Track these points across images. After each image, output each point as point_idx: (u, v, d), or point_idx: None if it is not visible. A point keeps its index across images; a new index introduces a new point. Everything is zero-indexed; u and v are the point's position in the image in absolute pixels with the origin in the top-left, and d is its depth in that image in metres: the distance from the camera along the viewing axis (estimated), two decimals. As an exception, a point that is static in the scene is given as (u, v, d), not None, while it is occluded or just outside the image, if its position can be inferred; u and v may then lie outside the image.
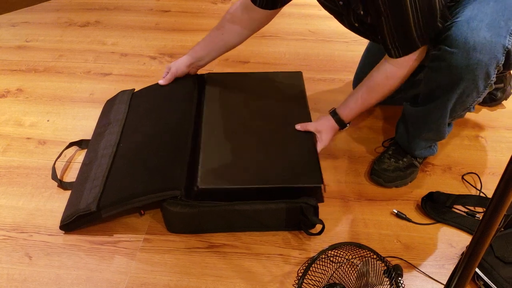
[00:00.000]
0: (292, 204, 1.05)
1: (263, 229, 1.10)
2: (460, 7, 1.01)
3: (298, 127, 1.22)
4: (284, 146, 1.18)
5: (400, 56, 1.04)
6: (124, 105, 1.37)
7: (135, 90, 1.44)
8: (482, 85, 1.00)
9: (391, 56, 1.05)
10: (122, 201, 1.07)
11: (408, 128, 1.21)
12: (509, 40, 0.95)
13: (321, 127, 1.21)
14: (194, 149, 1.17)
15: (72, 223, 1.08)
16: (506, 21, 0.96)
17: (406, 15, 0.96)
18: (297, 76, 1.43)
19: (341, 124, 1.20)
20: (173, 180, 1.08)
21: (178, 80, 1.37)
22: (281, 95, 1.36)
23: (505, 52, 0.95)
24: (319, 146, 1.20)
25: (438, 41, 1.01)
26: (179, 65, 1.35)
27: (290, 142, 1.19)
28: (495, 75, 0.99)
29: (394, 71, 1.08)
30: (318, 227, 1.06)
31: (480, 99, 1.06)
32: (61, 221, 1.10)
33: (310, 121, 1.26)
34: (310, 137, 1.21)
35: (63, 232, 1.12)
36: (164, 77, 1.37)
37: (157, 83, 1.38)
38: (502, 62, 0.97)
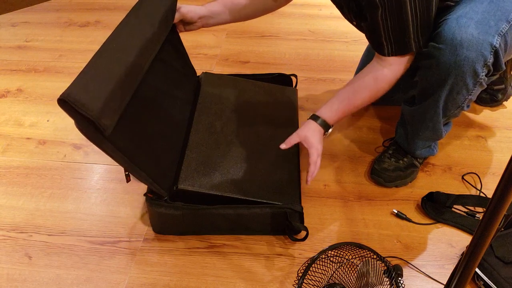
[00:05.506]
0: (277, 209, 1.05)
1: (249, 233, 1.10)
2: (456, 5, 1.01)
3: (283, 146, 1.08)
4: (268, 161, 1.17)
5: (393, 54, 1.01)
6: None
7: None
8: (471, 83, 1.00)
9: (383, 53, 1.03)
10: (127, 153, 0.97)
11: (407, 128, 1.21)
12: (497, 40, 0.94)
13: (305, 132, 1.08)
14: (183, 150, 1.15)
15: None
16: (497, 21, 0.95)
17: (406, 14, 0.95)
18: (292, 93, 1.42)
19: (325, 126, 1.08)
20: (165, 178, 1.06)
21: (180, 80, 1.36)
22: (273, 109, 1.34)
23: (492, 50, 0.95)
24: (313, 154, 1.04)
25: (430, 39, 1.01)
26: (191, 9, 1.21)
27: (275, 159, 1.18)
28: (484, 74, 0.99)
29: (384, 73, 1.05)
30: (303, 232, 1.06)
31: (473, 98, 1.05)
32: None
33: (297, 144, 1.25)
34: (296, 156, 1.20)
35: (62, 233, 1.12)
36: None
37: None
38: (491, 61, 0.96)
